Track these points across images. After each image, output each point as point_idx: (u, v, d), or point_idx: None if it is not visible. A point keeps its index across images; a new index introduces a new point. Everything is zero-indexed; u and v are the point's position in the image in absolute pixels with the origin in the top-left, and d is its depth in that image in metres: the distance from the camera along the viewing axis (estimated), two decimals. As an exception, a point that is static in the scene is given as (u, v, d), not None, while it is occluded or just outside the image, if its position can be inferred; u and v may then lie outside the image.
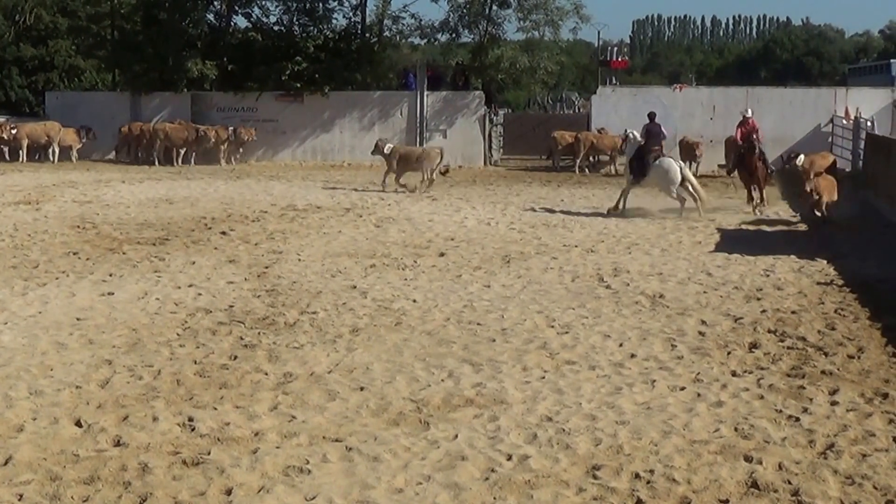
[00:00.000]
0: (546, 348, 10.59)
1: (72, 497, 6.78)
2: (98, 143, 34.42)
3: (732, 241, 17.78)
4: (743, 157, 22.82)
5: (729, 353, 10.44)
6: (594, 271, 14.89)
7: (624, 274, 14.71)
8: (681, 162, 22.74)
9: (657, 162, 21.55)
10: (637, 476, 7.18)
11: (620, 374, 9.69)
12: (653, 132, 22.21)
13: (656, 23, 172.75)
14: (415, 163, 25.93)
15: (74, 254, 16.11)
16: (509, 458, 7.52)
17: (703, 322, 11.77)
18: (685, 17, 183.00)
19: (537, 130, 35.15)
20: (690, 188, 21.36)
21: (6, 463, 7.33)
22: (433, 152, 26.36)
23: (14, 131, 33.09)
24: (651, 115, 22.74)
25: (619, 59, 44.17)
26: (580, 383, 9.35)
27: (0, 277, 14.09)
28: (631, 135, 22.56)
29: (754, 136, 22.81)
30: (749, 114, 23.89)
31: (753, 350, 10.59)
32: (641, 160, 21.83)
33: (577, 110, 45.22)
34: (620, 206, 21.68)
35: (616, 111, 34.30)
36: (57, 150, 33.36)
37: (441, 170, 25.93)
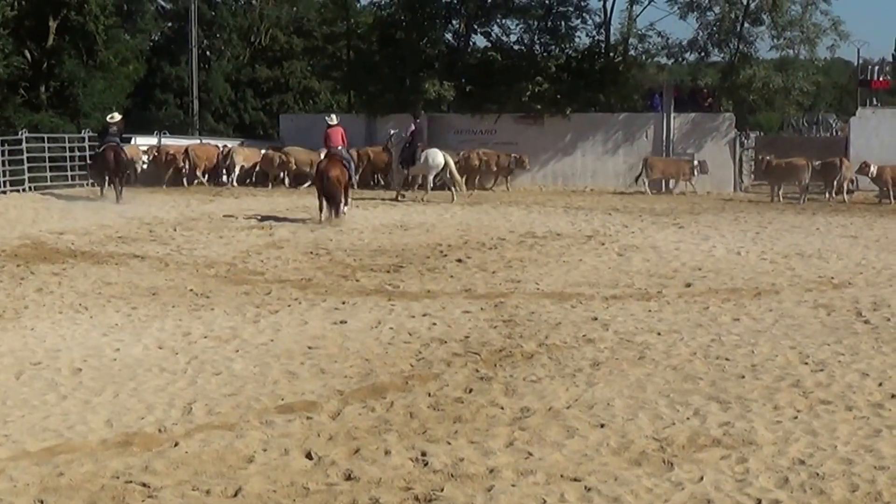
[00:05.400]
0: (799, 386, 10.10)
1: (302, 531, 6.76)
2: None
3: None
4: None
5: None
6: (852, 305, 14.16)
7: (884, 308, 13.93)
8: (444, 153, 28.29)
9: (423, 153, 27.79)
10: (896, 526, 6.68)
11: (880, 415, 9.16)
12: (418, 129, 28.76)
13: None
14: None
15: (307, 280, 16.35)
16: (758, 502, 7.23)
17: (975, 362, 10.96)
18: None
19: (792, 154, 33.83)
20: (450, 176, 28.05)
21: (236, 494, 7.37)
22: None
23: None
24: (415, 117, 29.80)
25: (881, 79, 42.37)
26: (836, 424, 8.88)
27: (233, 304, 14.36)
28: (396, 133, 29.36)
29: None
30: None
31: None
32: (413, 153, 28.06)
33: (834, 133, 43.56)
34: (398, 194, 28.10)
35: (877, 134, 32.77)
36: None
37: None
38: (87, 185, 28.61)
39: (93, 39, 37.91)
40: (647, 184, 31.82)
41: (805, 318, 13.40)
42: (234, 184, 31.35)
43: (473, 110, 35.81)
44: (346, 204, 23.37)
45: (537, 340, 12.07)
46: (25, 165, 29.44)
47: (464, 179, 31.16)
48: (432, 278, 16.59)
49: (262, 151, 33.38)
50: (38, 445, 8.34)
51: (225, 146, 33.80)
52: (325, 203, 22.89)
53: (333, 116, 24.65)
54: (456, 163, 31.85)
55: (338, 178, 22.69)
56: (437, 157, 27.84)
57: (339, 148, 23.39)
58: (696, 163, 32.33)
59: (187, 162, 31.54)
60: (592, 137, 35.15)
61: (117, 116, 28.36)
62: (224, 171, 31.99)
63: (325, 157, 23.57)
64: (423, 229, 22.64)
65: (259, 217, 23.98)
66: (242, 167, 32.28)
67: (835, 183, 30.26)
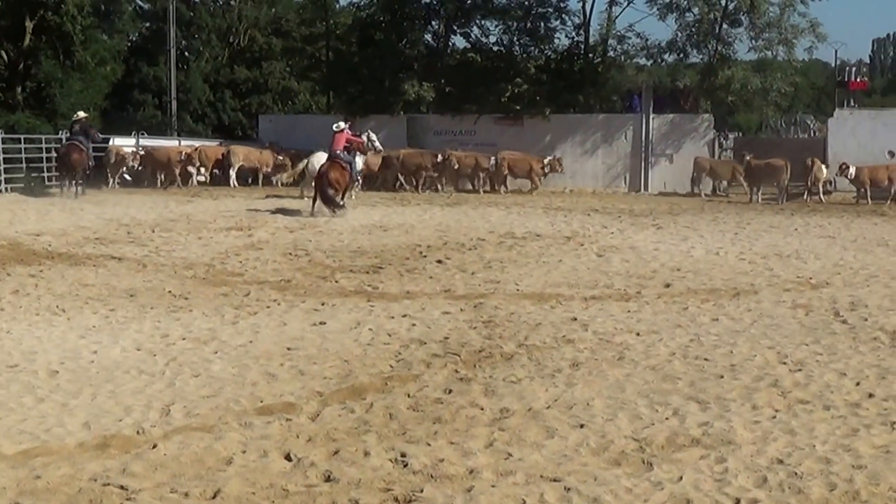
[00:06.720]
0: (777, 386, 10.07)
1: (281, 533, 6.68)
2: None
3: None
4: None
5: (980, 396, 9.65)
6: (829, 305, 14.16)
7: (861, 308, 13.93)
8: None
9: (307, 158, 27.92)
10: (875, 525, 6.65)
11: (857, 414, 9.14)
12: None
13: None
14: None
15: (286, 282, 16.25)
16: (737, 501, 7.18)
17: (951, 361, 10.95)
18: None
19: (771, 155, 33.94)
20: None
21: (215, 496, 7.28)
22: None
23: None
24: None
25: (858, 80, 42.50)
26: (814, 424, 8.84)
27: (211, 305, 14.23)
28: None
29: None
30: None
31: None
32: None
33: (812, 134, 43.71)
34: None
35: (854, 135, 32.92)
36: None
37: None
38: (66, 185, 28.48)
39: (70, 40, 37.68)
40: (699, 186, 31.86)
41: (783, 318, 13.38)
42: (234, 183, 31.53)
43: (453, 111, 35.76)
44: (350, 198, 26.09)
45: (517, 341, 12.01)
46: (2, 167, 29.31)
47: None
48: (412, 279, 16.52)
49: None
50: (14, 448, 8.23)
51: (226, 144, 34.09)
52: (318, 200, 24.84)
53: (341, 123, 26.35)
54: (486, 170, 32.00)
55: (336, 180, 24.76)
56: (323, 160, 27.59)
57: (338, 152, 25.20)
58: None
59: (198, 161, 31.77)
60: (572, 138, 35.16)
61: (81, 114, 28.41)
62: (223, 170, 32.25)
63: (328, 159, 25.33)
64: (402, 230, 22.56)
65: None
66: (242, 166, 32.36)
67: (808, 183, 30.42)
